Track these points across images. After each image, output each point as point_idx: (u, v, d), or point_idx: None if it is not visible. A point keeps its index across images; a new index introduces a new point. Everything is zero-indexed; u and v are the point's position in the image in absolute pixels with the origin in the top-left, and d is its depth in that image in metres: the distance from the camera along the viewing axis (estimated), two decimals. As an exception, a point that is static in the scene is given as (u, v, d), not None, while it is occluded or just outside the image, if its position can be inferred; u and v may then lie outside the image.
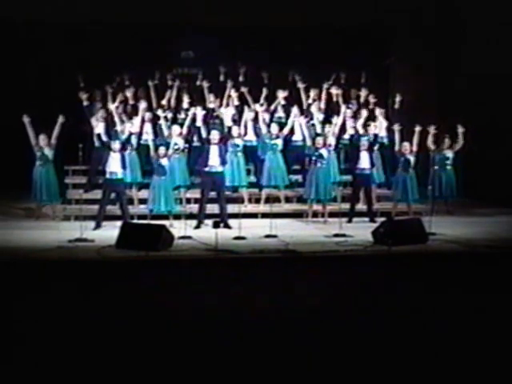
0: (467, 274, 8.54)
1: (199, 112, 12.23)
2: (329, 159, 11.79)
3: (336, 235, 10.38)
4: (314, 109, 12.96)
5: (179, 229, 10.36)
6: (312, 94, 13.42)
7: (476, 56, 13.86)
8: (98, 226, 10.80)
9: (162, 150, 11.19)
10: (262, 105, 12.80)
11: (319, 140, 11.74)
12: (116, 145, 10.97)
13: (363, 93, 13.68)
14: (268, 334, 6.34)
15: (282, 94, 13.27)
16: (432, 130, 12.28)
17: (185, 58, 15.26)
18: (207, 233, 10.15)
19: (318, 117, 12.74)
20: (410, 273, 8.65)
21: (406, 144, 11.84)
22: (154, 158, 11.23)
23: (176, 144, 11.68)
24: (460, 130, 12.34)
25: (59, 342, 6.06)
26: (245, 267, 8.88)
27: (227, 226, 10.86)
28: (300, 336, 6.27)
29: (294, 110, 12.67)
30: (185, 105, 13.07)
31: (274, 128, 12.25)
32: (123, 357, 5.77)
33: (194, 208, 11.54)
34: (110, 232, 10.30)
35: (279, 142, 12.17)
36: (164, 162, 11.11)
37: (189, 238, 10.15)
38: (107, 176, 10.91)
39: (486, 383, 5.47)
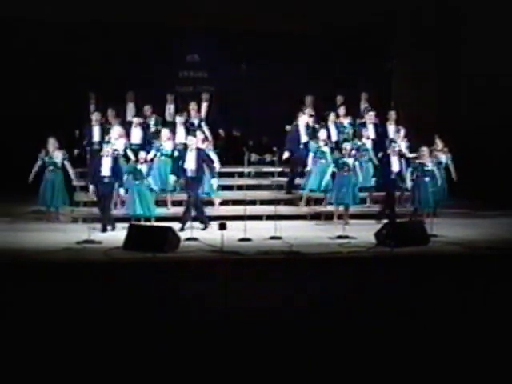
0: (468, 275, 8.59)
1: (179, 119, 12.51)
2: (356, 166, 11.88)
3: (339, 237, 10.48)
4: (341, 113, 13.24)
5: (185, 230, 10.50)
6: (339, 99, 13.70)
7: (476, 56, 13.88)
8: (104, 229, 10.86)
9: (142, 154, 11.34)
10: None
11: (347, 146, 11.83)
12: (108, 149, 11.07)
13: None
14: (272, 333, 6.40)
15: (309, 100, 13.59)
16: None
17: (190, 62, 15.44)
18: (213, 235, 10.23)
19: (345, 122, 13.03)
20: (411, 274, 8.70)
21: (425, 149, 11.81)
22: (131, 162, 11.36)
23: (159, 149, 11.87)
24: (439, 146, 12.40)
25: (67, 341, 6.12)
26: (250, 268, 8.94)
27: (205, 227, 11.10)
28: (303, 336, 6.32)
29: (331, 115, 12.91)
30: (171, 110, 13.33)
31: (323, 134, 12.36)
32: (130, 356, 5.83)
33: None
34: (117, 234, 10.42)
35: (326, 150, 12.23)
36: (143, 167, 11.24)
37: (195, 239, 10.28)
38: (98, 179, 10.96)
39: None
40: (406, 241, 9.92)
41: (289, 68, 14.53)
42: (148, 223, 11.13)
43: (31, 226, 11.31)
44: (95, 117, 12.50)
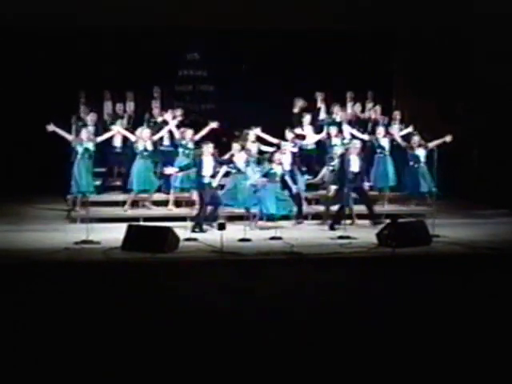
0: (469, 275, 8.63)
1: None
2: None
3: (340, 237, 10.48)
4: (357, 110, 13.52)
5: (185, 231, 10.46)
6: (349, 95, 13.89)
7: (477, 56, 13.95)
8: None
9: None
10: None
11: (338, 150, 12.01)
12: None
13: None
14: (273, 333, 6.39)
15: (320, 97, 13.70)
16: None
17: (190, 61, 15.52)
18: (212, 235, 10.27)
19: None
20: (413, 274, 8.73)
21: (416, 139, 12.18)
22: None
23: None
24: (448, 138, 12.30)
25: (66, 341, 6.12)
26: (250, 269, 8.95)
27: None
28: (304, 336, 6.32)
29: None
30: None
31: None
32: (128, 356, 5.82)
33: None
34: (115, 234, 10.35)
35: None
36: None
37: (194, 240, 10.29)
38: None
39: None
40: (407, 241, 9.94)
41: (287, 67, 14.62)
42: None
43: (31, 227, 11.33)
44: (90, 117, 12.66)
